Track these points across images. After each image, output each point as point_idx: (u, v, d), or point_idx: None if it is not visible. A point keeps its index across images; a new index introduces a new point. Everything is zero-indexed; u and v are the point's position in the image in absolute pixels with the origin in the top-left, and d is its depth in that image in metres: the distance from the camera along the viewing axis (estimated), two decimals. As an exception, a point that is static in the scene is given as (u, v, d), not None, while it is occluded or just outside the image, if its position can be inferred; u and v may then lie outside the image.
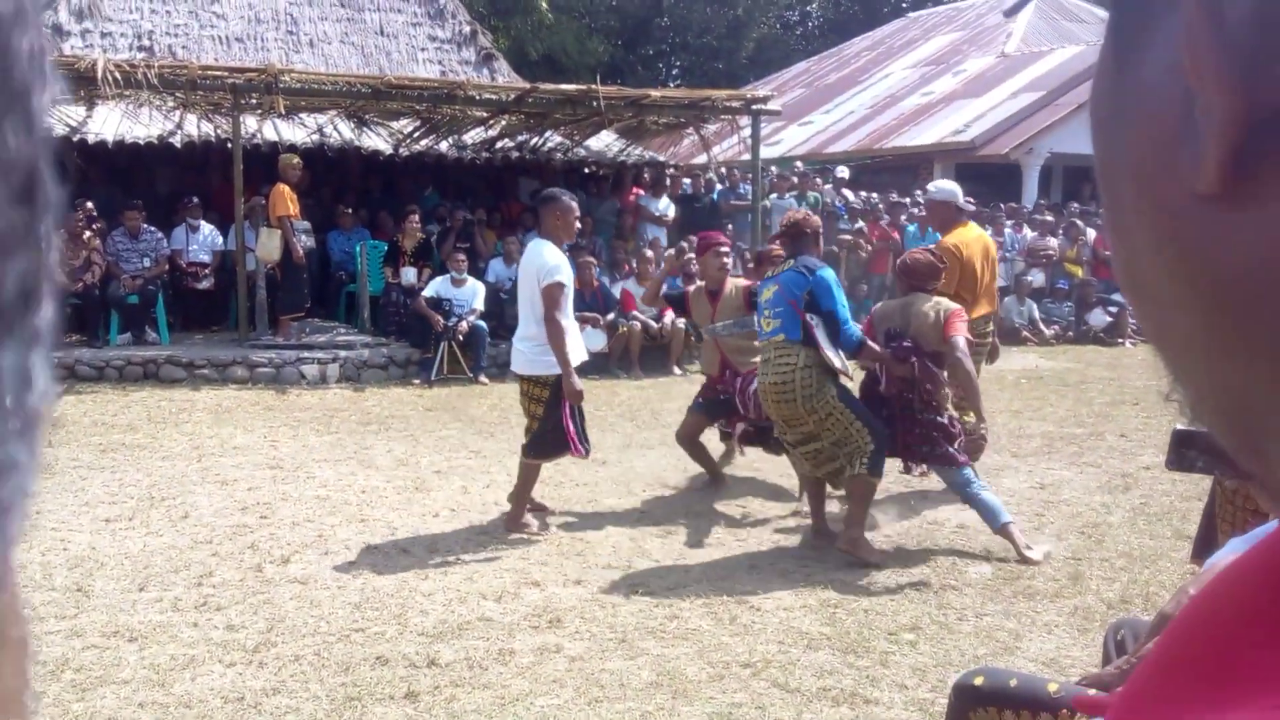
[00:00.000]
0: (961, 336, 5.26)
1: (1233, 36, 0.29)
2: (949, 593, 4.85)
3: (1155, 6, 0.32)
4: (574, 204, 5.79)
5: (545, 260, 5.54)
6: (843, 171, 16.24)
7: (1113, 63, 0.35)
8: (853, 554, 5.15)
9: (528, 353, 5.67)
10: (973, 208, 7.65)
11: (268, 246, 10.63)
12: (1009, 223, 15.05)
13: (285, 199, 10.56)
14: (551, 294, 5.47)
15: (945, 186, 6.93)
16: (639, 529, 5.81)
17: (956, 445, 5.33)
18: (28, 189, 0.26)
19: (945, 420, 5.34)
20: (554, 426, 5.60)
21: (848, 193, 15.70)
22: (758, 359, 5.69)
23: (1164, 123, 0.32)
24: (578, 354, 5.68)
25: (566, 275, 5.58)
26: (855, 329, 5.28)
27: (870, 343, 5.32)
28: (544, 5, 24.63)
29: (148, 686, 3.82)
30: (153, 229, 11.32)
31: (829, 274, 5.34)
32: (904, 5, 32.84)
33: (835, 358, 5.20)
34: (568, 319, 5.60)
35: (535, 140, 13.95)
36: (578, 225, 5.97)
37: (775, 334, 5.28)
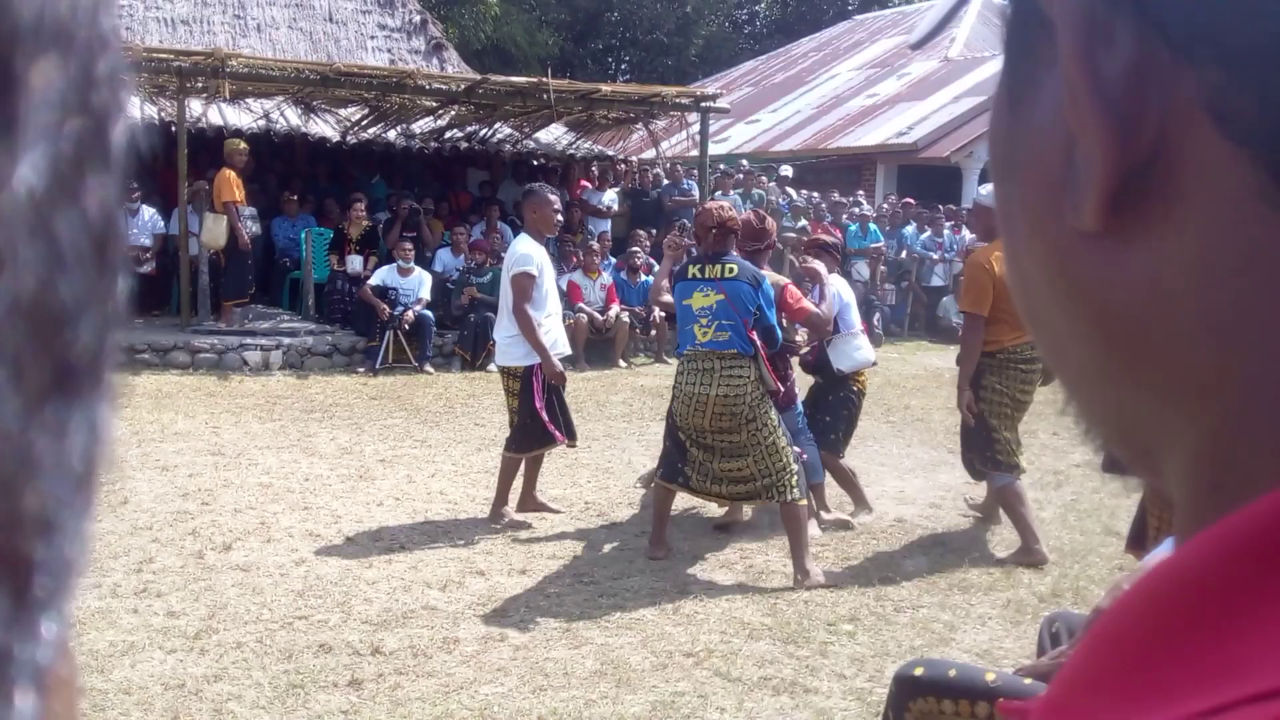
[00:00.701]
0: (811, 312, 5.50)
1: (1108, 91, 0.31)
2: (886, 585, 4.96)
3: (1042, 57, 0.35)
4: (552, 197, 5.80)
5: (516, 251, 5.62)
6: (786, 170, 16.41)
7: (1006, 107, 0.37)
8: (809, 585, 4.89)
9: (501, 344, 5.72)
10: None
11: (213, 232, 10.50)
12: (948, 224, 15.31)
13: (231, 185, 10.43)
14: (519, 284, 5.50)
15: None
16: (584, 519, 5.86)
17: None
18: (104, 240, 0.24)
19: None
20: (530, 416, 5.63)
21: (791, 191, 15.87)
22: None
23: (1050, 166, 0.34)
24: (559, 346, 5.75)
25: (540, 266, 5.60)
26: (780, 333, 5.28)
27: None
28: (493, 2, 24.49)
29: (86, 673, 3.78)
30: (92, 211, 11.11)
31: (768, 281, 5.21)
32: (850, 8, 33.17)
33: (770, 375, 5.09)
34: (543, 311, 5.62)
35: (484, 131, 13.91)
36: (559, 219, 5.97)
37: (727, 346, 5.01)
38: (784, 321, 5.46)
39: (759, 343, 5.06)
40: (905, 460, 7.47)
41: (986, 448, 5.38)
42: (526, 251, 5.59)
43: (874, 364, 6.21)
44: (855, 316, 6.05)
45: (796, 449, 5.24)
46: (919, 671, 2.51)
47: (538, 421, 5.62)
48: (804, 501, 5.08)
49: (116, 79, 0.23)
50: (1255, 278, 0.30)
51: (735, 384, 4.99)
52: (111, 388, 0.24)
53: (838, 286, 5.97)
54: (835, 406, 5.97)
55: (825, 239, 6.43)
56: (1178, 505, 0.34)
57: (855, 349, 5.96)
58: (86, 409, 0.23)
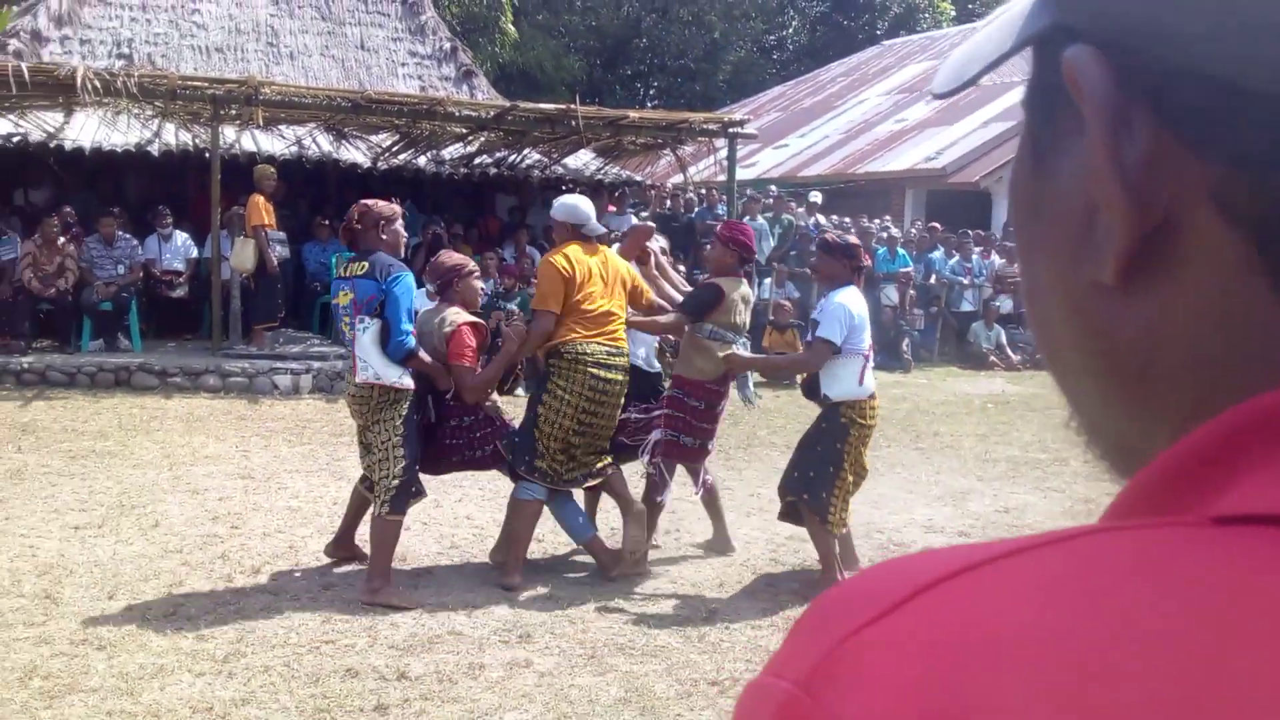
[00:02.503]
0: (466, 362, 5.08)
1: (1129, 175, 0.36)
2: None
3: (1064, 126, 0.40)
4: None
5: None
6: (816, 196, 16.42)
7: (1031, 164, 0.43)
8: (374, 604, 4.75)
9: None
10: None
11: (241, 256, 10.63)
12: (977, 249, 15.26)
13: (260, 210, 10.58)
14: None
15: None
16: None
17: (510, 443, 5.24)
18: None
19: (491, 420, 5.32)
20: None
21: (820, 217, 15.88)
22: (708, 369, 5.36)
23: (1072, 223, 0.40)
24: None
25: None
26: (410, 339, 4.89)
27: (423, 354, 4.98)
28: (510, 27, 24.71)
29: (116, 695, 3.82)
30: (128, 236, 11.30)
31: (406, 282, 4.89)
32: (878, 33, 33.22)
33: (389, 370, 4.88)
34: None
35: (513, 157, 14.02)
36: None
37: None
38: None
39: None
40: (934, 488, 7.42)
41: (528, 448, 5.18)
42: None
43: (867, 397, 5.16)
44: (865, 338, 5.12)
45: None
46: None
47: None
48: (393, 519, 4.90)
49: None
50: (1235, 331, 0.36)
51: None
52: None
53: (847, 300, 5.11)
54: (817, 438, 5.20)
55: (833, 238, 5.51)
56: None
57: (850, 375, 5.10)
58: None
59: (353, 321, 4.92)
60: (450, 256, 5.55)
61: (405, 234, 5.30)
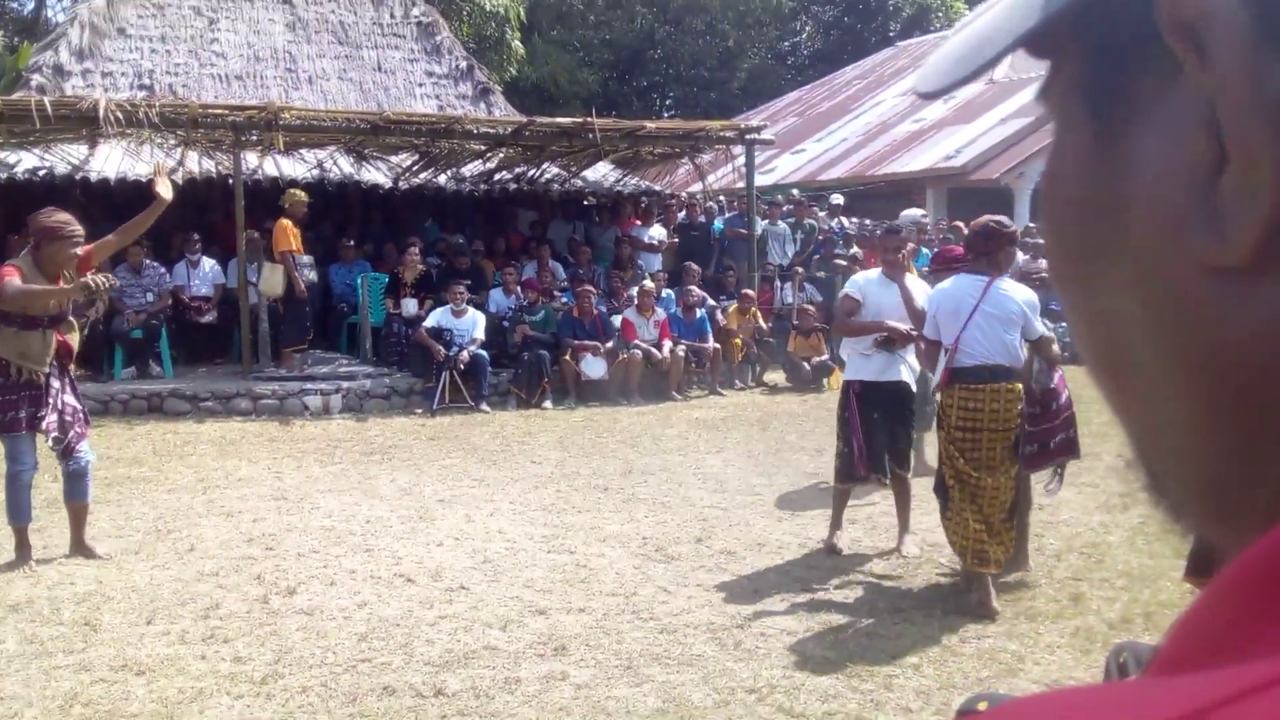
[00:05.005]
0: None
1: (1275, 112, 0.30)
2: (951, 615, 4.88)
3: (1145, 92, 0.34)
4: None
5: None
6: (838, 198, 16.39)
7: (1093, 148, 0.36)
8: None
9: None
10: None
11: (271, 281, 10.73)
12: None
13: (288, 234, 10.69)
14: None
15: None
16: (642, 555, 5.85)
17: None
18: None
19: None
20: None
21: (843, 219, 15.85)
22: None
23: (1170, 201, 0.33)
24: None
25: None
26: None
27: None
28: (517, 44, 24.81)
29: None
30: (155, 264, 11.43)
31: None
32: (892, 35, 33.15)
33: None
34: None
35: (532, 172, 14.08)
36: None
37: None
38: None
39: None
40: (966, 487, 7.37)
41: None
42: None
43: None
44: (947, 331, 5.09)
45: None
46: (982, 706, 2.47)
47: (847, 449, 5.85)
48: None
49: None
50: None
51: None
52: None
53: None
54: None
55: (993, 224, 5.39)
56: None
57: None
58: None
59: None
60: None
61: None
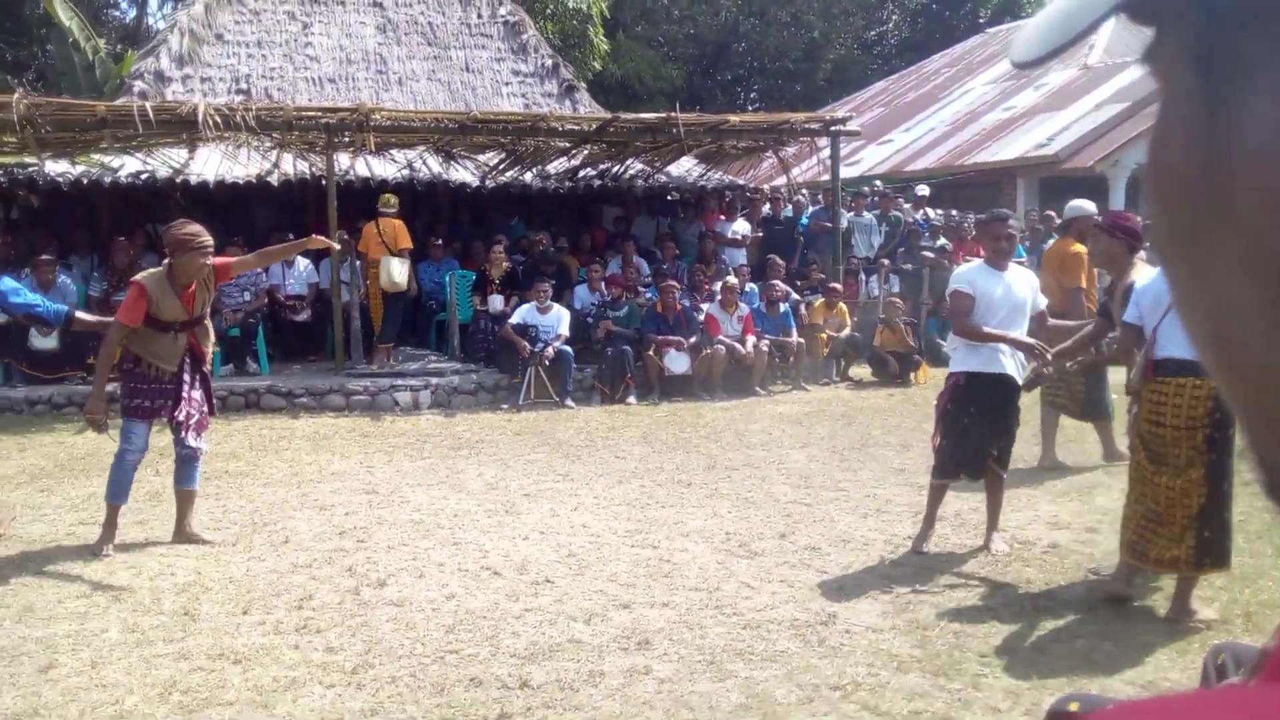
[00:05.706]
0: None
1: None
2: (1042, 613, 4.78)
3: (1251, 64, 0.32)
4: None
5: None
6: (923, 189, 16.12)
7: (1201, 120, 0.34)
8: None
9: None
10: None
11: (397, 275, 11.22)
12: (1099, 236, 14.75)
13: (405, 233, 11.30)
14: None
15: None
16: (725, 550, 5.84)
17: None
18: None
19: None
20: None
21: (929, 210, 15.58)
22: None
23: None
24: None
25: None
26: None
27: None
28: (600, 40, 24.89)
29: (252, 708, 3.96)
30: (251, 264, 11.80)
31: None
32: (980, 21, 32.46)
33: None
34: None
35: (617, 168, 14.14)
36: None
37: None
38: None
39: None
40: (1059, 484, 7.20)
41: None
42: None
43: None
44: (1149, 321, 4.85)
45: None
46: (1074, 707, 2.42)
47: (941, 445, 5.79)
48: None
49: None
50: None
51: None
52: None
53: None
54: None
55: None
56: None
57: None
58: None
59: None
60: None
61: None
